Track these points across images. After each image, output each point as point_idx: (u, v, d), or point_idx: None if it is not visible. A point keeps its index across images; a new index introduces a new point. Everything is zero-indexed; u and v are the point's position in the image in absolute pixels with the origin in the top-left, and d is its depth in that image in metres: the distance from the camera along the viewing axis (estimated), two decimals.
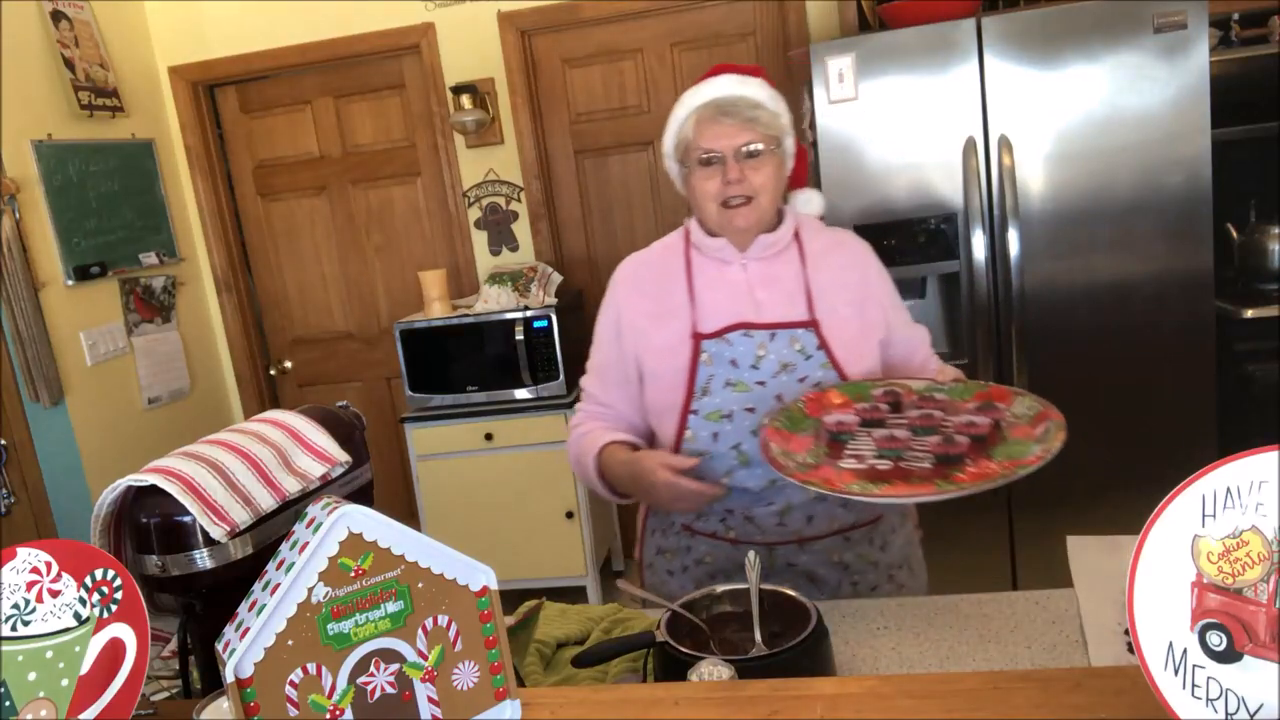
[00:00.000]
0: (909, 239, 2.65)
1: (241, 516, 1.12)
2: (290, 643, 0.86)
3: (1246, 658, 0.75)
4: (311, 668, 0.87)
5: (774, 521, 1.52)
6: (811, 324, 1.52)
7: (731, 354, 1.51)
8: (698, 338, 1.53)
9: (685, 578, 1.60)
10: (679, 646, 1.10)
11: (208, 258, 3.85)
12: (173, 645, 1.34)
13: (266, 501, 1.16)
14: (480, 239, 3.70)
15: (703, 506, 1.51)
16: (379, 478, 1.39)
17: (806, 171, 1.66)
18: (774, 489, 1.50)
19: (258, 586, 0.90)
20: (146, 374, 3.50)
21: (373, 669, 0.90)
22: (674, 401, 1.54)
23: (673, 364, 1.54)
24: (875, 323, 1.59)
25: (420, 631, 0.92)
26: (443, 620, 0.93)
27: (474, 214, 3.68)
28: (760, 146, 1.49)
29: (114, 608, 0.93)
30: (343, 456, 1.27)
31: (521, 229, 3.66)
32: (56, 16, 3.21)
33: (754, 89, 1.52)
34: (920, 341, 1.67)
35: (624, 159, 3.61)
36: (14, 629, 0.88)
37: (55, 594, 0.90)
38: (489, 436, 3.28)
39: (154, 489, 1.10)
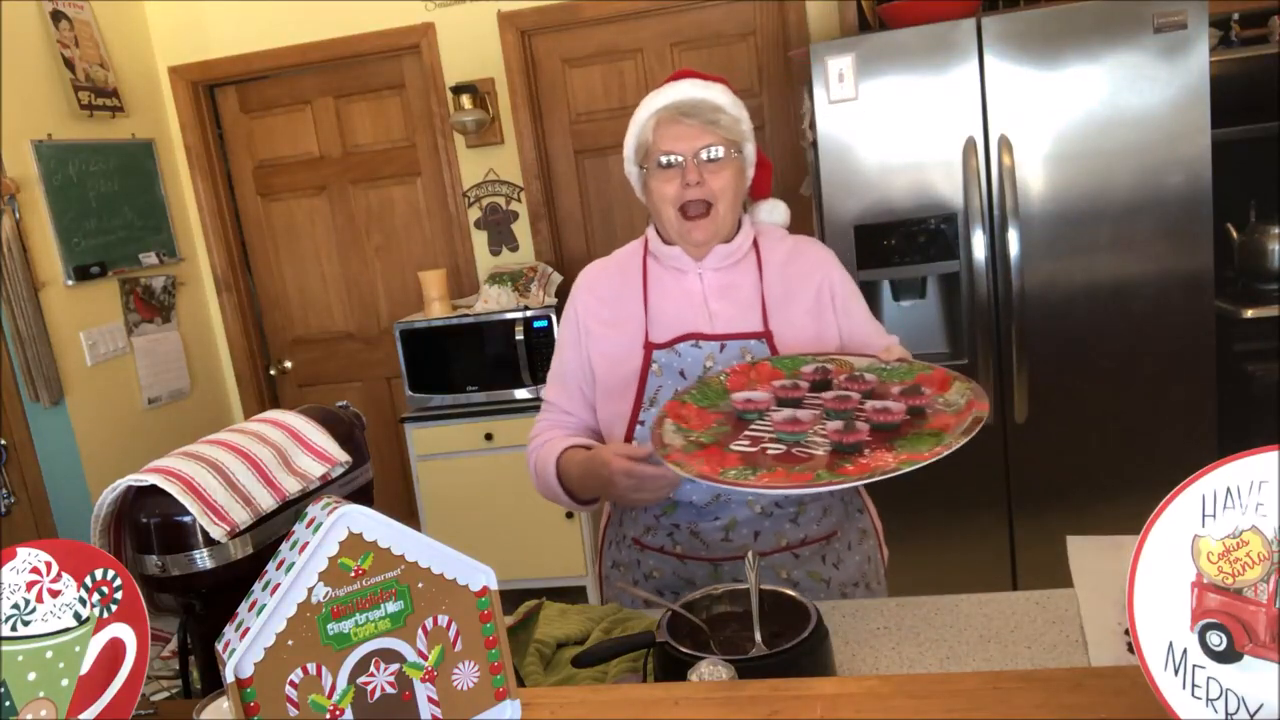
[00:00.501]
0: (909, 239, 2.65)
1: (241, 516, 1.12)
2: (290, 643, 0.86)
3: (1246, 658, 0.75)
4: (311, 668, 0.87)
5: (719, 537, 1.50)
6: (764, 335, 1.50)
7: (680, 364, 1.50)
8: (649, 347, 1.52)
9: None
10: (679, 646, 1.10)
11: (208, 258, 3.85)
12: (173, 645, 1.34)
13: (266, 501, 1.16)
14: (480, 239, 3.70)
15: (664, 494, 1.39)
16: (379, 478, 1.39)
17: (770, 181, 1.64)
18: (719, 504, 1.48)
19: (258, 586, 0.90)
20: (146, 374, 3.50)
21: (373, 669, 0.90)
22: (622, 410, 1.52)
23: (623, 372, 1.53)
24: (831, 333, 1.55)
25: (420, 631, 0.92)
26: (443, 620, 0.93)
27: (474, 214, 3.68)
28: (720, 151, 1.47)
29: (114, 608, 0.93)
30: (343, 456, 1.27)
31: (521, 229, 3.66)
32: (56, 16, 3.21)
33: (716, 93, 1.50)
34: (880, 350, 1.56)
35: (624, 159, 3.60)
36: (14, 629, 0.88)
37: (55, 594, 0.90)
38: (489, 436, 3.28)
39: (154, 489, 1.10)
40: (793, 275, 1.55)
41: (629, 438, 1.51)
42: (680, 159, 1.47)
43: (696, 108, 1.47)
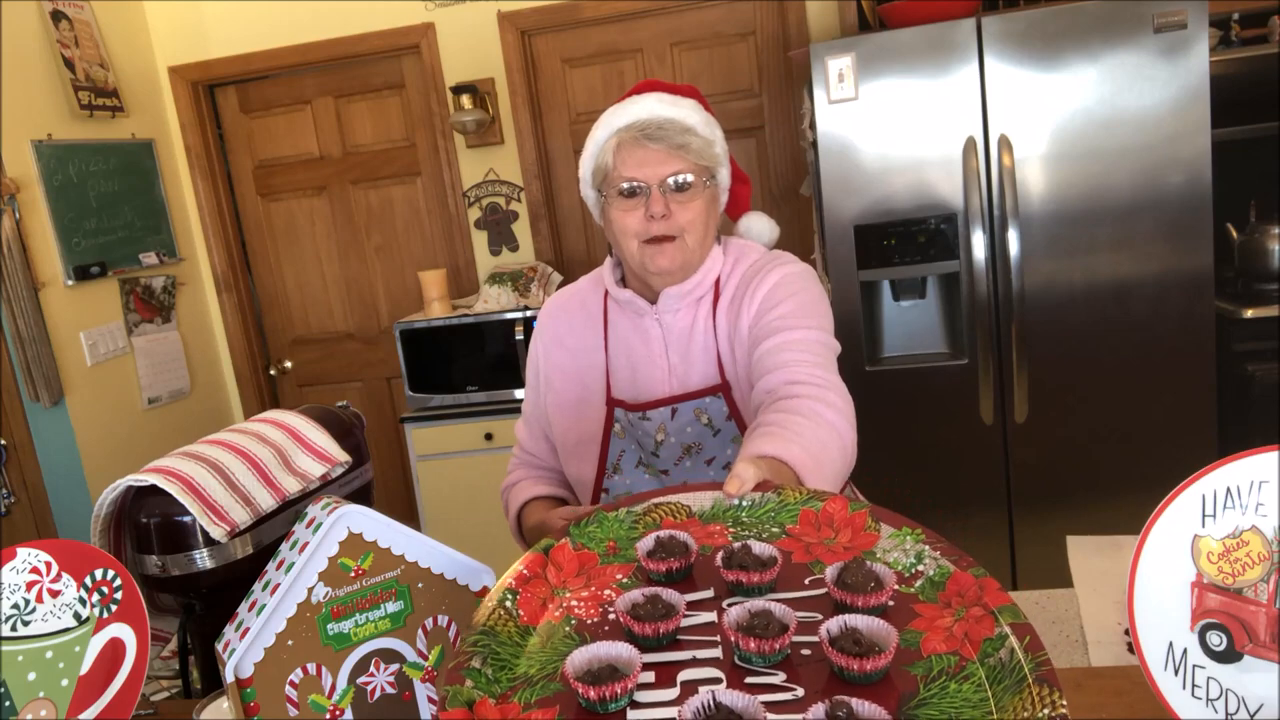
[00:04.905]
0: (909, 239, 2.65)
1: (241, 516, 1.12)
2: (290, 643, 0.86)
3: (1246, 658, 0.75)
4: (311, 668, 0.87)
5: None
6: (721, 388, 1.33)
7: (637, 433, 1.37)
8: (611, 404, 1.38)
9: None
10: None
11: (208, 258, 3.85)
12: (173, 645, 1.34)
13: (266, 501, 1.16)
14: (480, 239, 3.70)
15: None
16: (379, 478, 1.39)
17: (749, 196, 1.48)
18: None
19: (258, 586, 0.90)
20: (146, 374, 3.50)
21: (373, 669, 0.90)
22: (585, 475, 1.41)
23: (584, 430, 1.41)
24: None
25: (420, 631, 0.92)
26: (443, 620, 0.93)
27: (474, 214, 3.68)
28: (690, 178, 1.30)
29: (114, 608, 0.93)
30: (343, 456, 1.27)
31: (521, 229, 3.66)
32: (56, 16, 3.21)
33: (685, 111, 1.32)
34: (783, 364, 1.22)
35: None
36: (14, 629, 0.88)
37: (55, 594, 0.90)
38: (489, 436, 3.28)
39: (154, 489, 1.10)
40: (748, 309, 1.35)
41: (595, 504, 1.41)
42: (644, 187, 1.31)
43: (663, 129, 1.29)
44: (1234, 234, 2.78)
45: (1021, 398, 2.65)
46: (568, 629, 0.78)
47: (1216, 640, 0.76)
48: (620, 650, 0.72)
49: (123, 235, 3.44)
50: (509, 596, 0.80)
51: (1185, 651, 0.77)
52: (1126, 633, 0.86)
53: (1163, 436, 2.61)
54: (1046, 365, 2.64)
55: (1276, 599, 0.74)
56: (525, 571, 0.83)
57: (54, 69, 3.20)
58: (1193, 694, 0.77)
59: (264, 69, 3.69)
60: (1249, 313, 2.62)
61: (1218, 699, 0.76)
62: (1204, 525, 0.76)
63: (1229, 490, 0.76)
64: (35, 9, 3.15)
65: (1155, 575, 0.78)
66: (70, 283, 3.17)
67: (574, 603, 0.81)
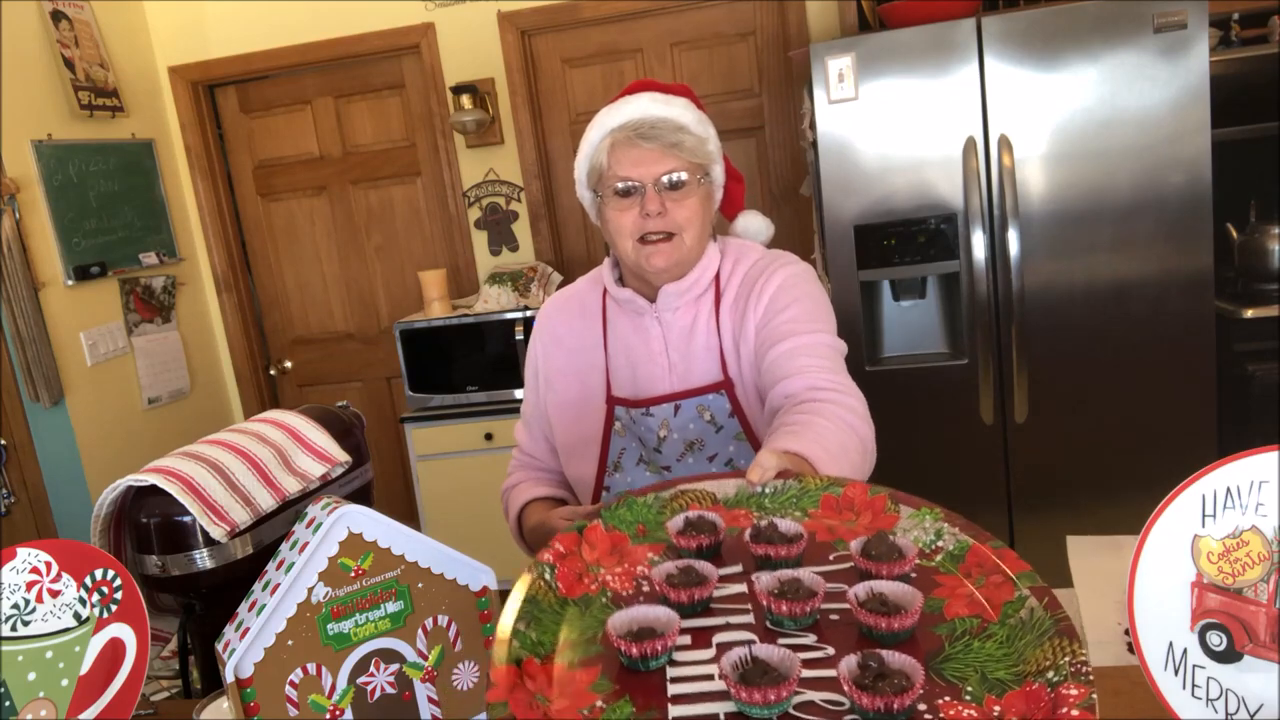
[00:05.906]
0: (909, 239, 2.65)
1: (241, 516, 1.12)
2: (290, 643, 0.86)
3: (1246, 658, 0.75)
4: (311, 668, 0.87)
5: None
6: (724, 385, 1.35)
7: (639, 429, 1.38)
8: (611, 402, 1.39)
9: None
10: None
11: (208, 258, 3.85)
12: (173, 645, 1.34)
13: (266, 501, 1.16)
14: (480, 239, 3.70)
15: None
16: (379, 478, 1.39)
17: (743, 194, 1.49)
18: None
19: (258, 586, 0.90)
20: (146, 374, 3.50)
21: (373, 669, 0.90)
22: (586, 474, 1.42)
23: (584, 430, 1.42)
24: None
25: (420, 631, 0.92)
26: (443, 620, 0.93)
27: (474, 214, 3.68)
28: (684, 176, 1.32)
29: (114, 608, 0.93)
30: (343, 456, 1.27)
31: (521, 229, 3.66)
32: (56, 16, 3.21)
33: (678, 110, 1.34)
34: (799, 369, 1.25)
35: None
36: (14, 629, 0.88)
37: (55, 594, 0.90)
38: (489, 436, 3.28)
39: (154, 489, 1.10)
40: (751, 306, 1.36)
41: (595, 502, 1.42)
42: (639, 186, 1.32)
43: (656, 128, 1.31)
44: (1234, 234, 2.78)
45: (1021, 398, 2.65)
46: (604, 600, 0.81)
47: (1216, 640, 0.76)
48: (659, 612, 0.75)
49: (123, 235, 3.44)
50: (546, 570, 0.82)
51: (1185, 651, 0.77)
52: (1126, 633, 0.86)
53: (1163, 436, 2.61)
54: (1046, 365, 2.64)
55: (1276, 599, 0.74)
56: (560, 548, 0.85)
57: (54, 69, 3.20)
58: (1193, 694, 0.77)
59: (264, 69, 3.69)
60: (1249, 313, 2.62)
61: (1218, 699, 0.76)
62: (1204, 525, 0.76)
63: (1229, 490, 0.76)
64: (35, 9, 3.15)
65: (1155, 575, 0.78)
66: (70, 283, 3.17)
67: (608, 577, 0.84)
